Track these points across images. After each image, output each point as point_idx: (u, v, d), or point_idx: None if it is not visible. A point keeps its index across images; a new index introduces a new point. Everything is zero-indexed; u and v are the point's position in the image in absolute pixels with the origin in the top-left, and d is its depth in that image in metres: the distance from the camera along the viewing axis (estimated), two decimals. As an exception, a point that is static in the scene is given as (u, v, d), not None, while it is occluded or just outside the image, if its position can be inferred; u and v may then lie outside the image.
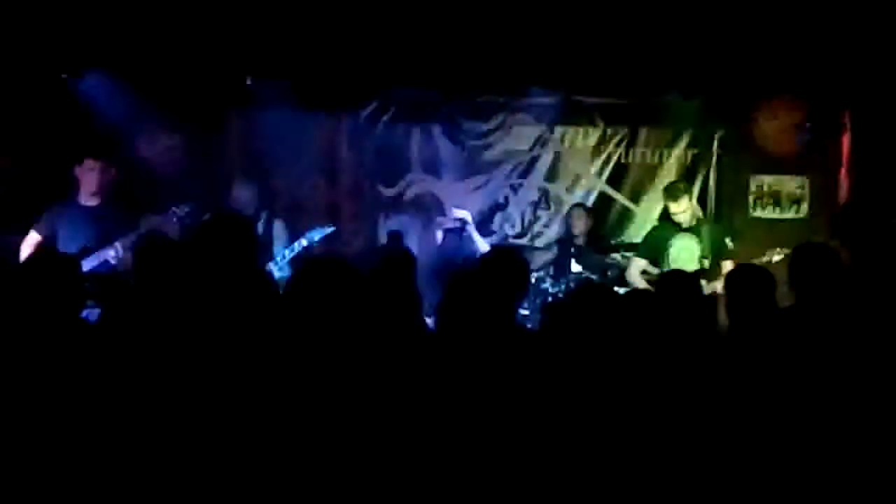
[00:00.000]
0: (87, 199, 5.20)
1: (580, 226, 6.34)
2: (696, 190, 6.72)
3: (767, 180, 6.94)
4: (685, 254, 5.60)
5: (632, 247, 6.54)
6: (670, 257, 5.63)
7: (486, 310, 2.96)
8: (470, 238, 5.76)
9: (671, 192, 5.75)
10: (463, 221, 5.69)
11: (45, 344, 2.83)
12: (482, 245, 5.78)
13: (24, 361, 2.77)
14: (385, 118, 7.04)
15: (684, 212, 5.63)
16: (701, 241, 5.60)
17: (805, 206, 6.90)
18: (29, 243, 5.14)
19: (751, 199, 6.95)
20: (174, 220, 5.22)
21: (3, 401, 2.70)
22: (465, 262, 5.62)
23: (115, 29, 5.80)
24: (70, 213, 5.18)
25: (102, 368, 2.78)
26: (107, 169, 5.23)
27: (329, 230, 5.52)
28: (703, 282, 5.27)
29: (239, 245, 3.20)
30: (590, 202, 7.01)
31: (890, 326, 3.24)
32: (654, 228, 6.35)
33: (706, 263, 5.54)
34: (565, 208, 6.93)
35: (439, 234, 5.87)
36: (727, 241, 5.70)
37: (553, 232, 7.06)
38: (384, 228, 6.92)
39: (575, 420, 2.67)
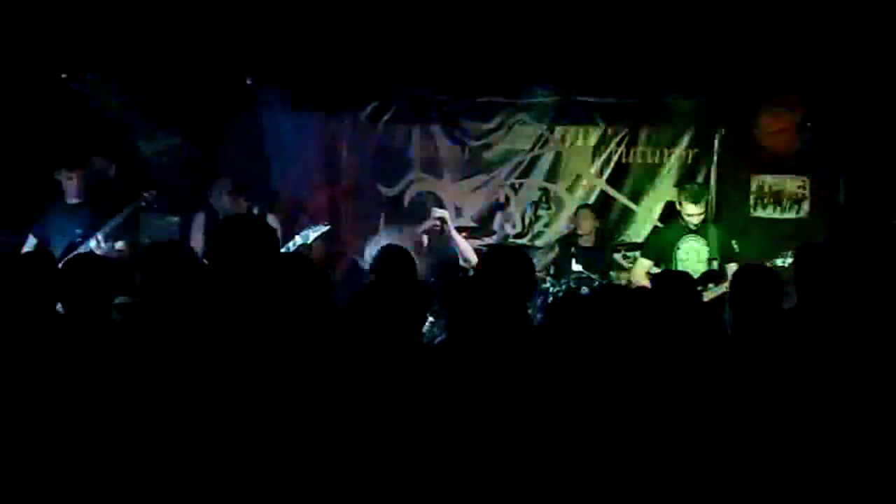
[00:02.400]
0: (72, 199, 5.52)
1: (586, 227, 6.35)
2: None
3: (768, 180, 6.94)
4: (693, 256, 5.58)
5: (633, 247, 6.55)
6: (678, 259, 5.60)
7: (492, 312, 2.97)
8: (450, 238, 5.73)
9: (693, 194, 5.67)
10: (442, 221, 5.66)
11: (60, 341, 2.86)
12: (462, 244, 5.76)
13: (34, 358, 2.79)
14: (385, 118, 7.05)
15: (700, 214, 5.60)
16: (708, 243, 5.58)
17: (806, 206, 6.89)
18: (28, 247, 5.38)
19: (751, 198, 6.94)
20: (142, 203, 5.44)
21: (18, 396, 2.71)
22: (446, 263, 5.61)
23: (116, 30, 5.81)
24: (57, 212, 5.49)
25: (112, 368, 2.79)
26: (84, 175, 5.54)
27: (324, 229, 5.52)
28: (711, 284, 5.28)
29: (257, 247, 3.20)
30: (590, 202, 7.01)
31: (891, 327, 3.23)
32: (660, 229, 6.33)
33: (714, 265, 5.52)
34: (566, 208, 6.94)
35: (425, 239, 5.85)
36: (733, 243, 5.66)
37: (554, 231, 7.06)
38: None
39: (581, 420, 2.68)
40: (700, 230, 5.62)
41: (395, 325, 2.96)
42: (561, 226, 6.91)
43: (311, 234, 5.43)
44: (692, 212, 5.56)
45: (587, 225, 6.36)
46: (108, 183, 5.84)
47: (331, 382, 2.66)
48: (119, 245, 5.34)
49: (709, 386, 2.95)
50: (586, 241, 6.38)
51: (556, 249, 6.57)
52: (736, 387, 2.97)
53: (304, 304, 2.85)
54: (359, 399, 2.63)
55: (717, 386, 2.96)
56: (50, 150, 6.04)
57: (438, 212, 5.78)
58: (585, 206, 6.68)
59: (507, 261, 3.33)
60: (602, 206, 7.05)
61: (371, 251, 6.22)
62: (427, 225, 5.80)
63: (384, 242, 5.73)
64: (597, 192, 7.10)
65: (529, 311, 5.60)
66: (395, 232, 6.49)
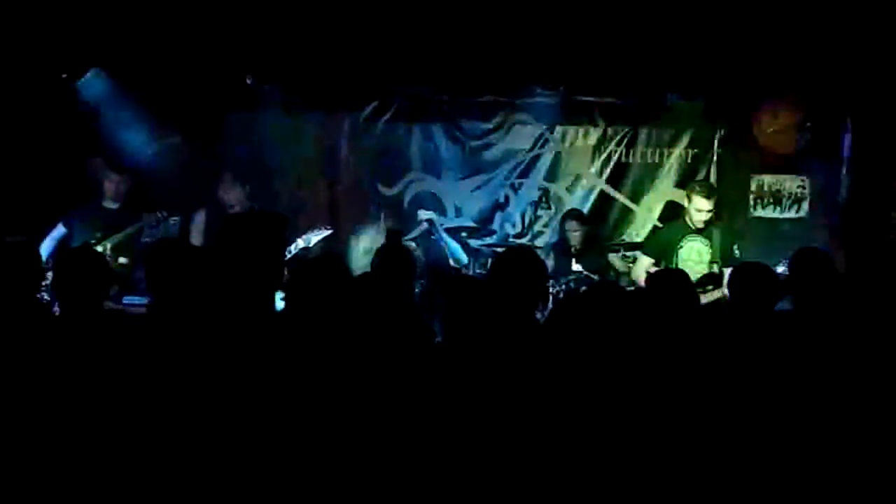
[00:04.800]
0: (109, 203, 5.71)
1: (575, 236, 6.29)
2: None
3: (768, 180, 6.94)
4: (695, 256, 5.56)
5: (632, 246, 6.54)
6: (679, 259, 5.58)
7: (500, 315, 2.97)
8: (439, 238, 5.70)
9: (707, 190, 5.60)
10: (429, 222, 5.64)
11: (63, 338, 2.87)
12: (452, 245, 5.74)
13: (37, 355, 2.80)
14: (385, 118, 7.04)
15: (710, 212, 5.54)
16: (711, 245, 5.56)
17: (805, 206, 6.89)
18: (54, 236, 5.58)
19: (751, 198, 6.94)
20: (142, 225, 5.58)
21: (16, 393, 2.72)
22: (437, 263, 5.60)
23: (116, 29, 5.81)
24: (91, 214, 5.68)
25: (118, 365, 2.79)
26: (124, 180, 5.72)
27: (327, 232, 5.52)
28: (710, 286, 5.26)
29: (271, 242, 3.22)
30: (590, 202, 7.02)
31: (889, 329, 3.24)
32: (663, 228, 6.31)
33: (715, 268, 5.50)
34: (566, 208, 6.94)
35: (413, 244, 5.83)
36: (735, 248, 5.60)
37: (553, 231, 7.06)
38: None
39: (578, 420, 2.68)
40: (703, 231, 5.60)
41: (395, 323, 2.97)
42: (557, 230, 6.88)
43: (314, 237, 5.44)
44: (704, 207, 5.46)
45: (576, 235, 6.30)
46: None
47: (333, 381, 2.67)
48: (122, 260, 5.46)
49: (707, 385, 2.95)
50: (577, 247, 6.37)
51: (556, 250, 6.56)
52: (734, 386, 2.98)
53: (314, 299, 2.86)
54: (359, 396, 2.64)
55: (715, 385, 2.97)
56: (48, 150, 6.06)
57: (425, 214, 5.75)
58: (572, 213, 6.60)
59: (520, 263, 3.32)
60: (602, 205, 7.06)
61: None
62: (416, 231, 5.76)
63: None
64: (596, 191, 7.11)
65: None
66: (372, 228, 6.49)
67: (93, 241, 5.35)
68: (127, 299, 5.10)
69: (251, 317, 2.97)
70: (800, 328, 3.29)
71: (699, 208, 5.46)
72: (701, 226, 5.53)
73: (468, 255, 6.31)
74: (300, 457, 2.56)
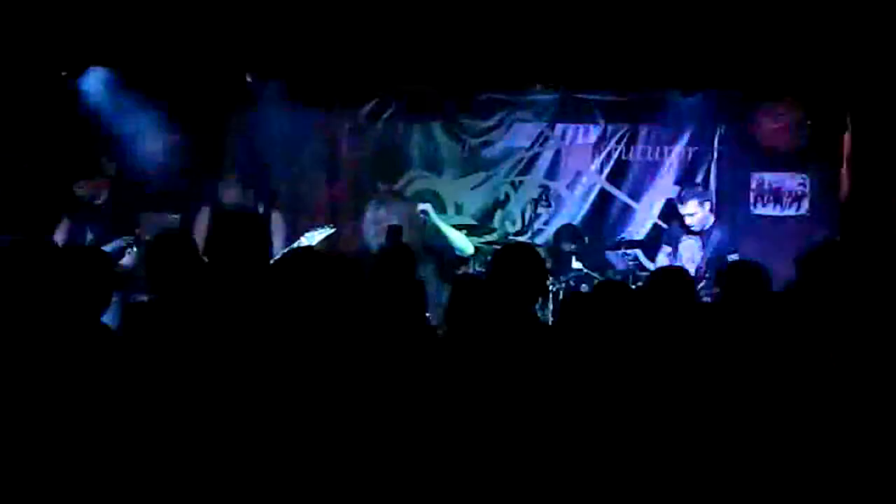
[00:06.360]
0: (98, 200, 5.78)
1: (570, 251, 6.32)
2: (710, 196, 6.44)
3: (768, 177, 6.93)
4: (687, 254, 5.58)
5: (632, 244, 6.55)
6: (676, 256, 5.62)
7: (500, 311, 2.98)
8: (438, 230, 5.69)
9: (680, 196, 5.72)
10: (424, 213, 5.64)
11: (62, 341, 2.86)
12: (452, 235, 5.73)
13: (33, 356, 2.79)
14: (385, 116, 7.04)
15: (692, 215, 5.60)
16: (706, 246, 5.57)
17: (806, 204, 6.89)
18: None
19: (751, 196, 6.94)
20: (123, 244, 5.53)
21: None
22: (444, 253, 5.61)
23: (116, 28, 5.82)
24: (85, 214, 5.72)
25: (117, 365, 2.79)
26: (97, 181, 5.74)
27: (329, 231, 5.52)
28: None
29: (251, 242, 3.22)
30: (590, 199, 7.02)
31: (889, 328, 3.23)
32: (661, 228, 6.35)
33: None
34: (566, 206, 6.93)
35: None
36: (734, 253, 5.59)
37: (553, 229, 7.06)
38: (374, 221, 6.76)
39: (581, 418, 2.69)
40: (704, 232, 5.63)
41: (397, 321, 2.97)
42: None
43: (316, 235, 5.44)
44: (686, 212, 5.61)
45: (571, 250, 6.33)
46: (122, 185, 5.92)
47: (334, 378, 2.67)
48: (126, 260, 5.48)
49: (709, 384, 2.96)
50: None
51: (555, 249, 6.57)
52: (736, 385, 2.98)
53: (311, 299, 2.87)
54: (360, 393, 2.64)
55: (717, 384, 2.97)
56: (48, 149, 6.07)
57: (421, 205, 5.75)
58: (562, 232, 6.57)
59: (520, 260, 3.33)
60: (602, 203, 7.07)
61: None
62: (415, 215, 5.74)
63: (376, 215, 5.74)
64: (596, 189, 7.11)
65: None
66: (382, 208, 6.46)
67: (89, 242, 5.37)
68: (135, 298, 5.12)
69: (244, 313, 2.97)
70: (807, 326, 3.29)
71: (681, 213, 5.59)
72: (697, 230, 5.60)
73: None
74: (301, 454, 2.56)
